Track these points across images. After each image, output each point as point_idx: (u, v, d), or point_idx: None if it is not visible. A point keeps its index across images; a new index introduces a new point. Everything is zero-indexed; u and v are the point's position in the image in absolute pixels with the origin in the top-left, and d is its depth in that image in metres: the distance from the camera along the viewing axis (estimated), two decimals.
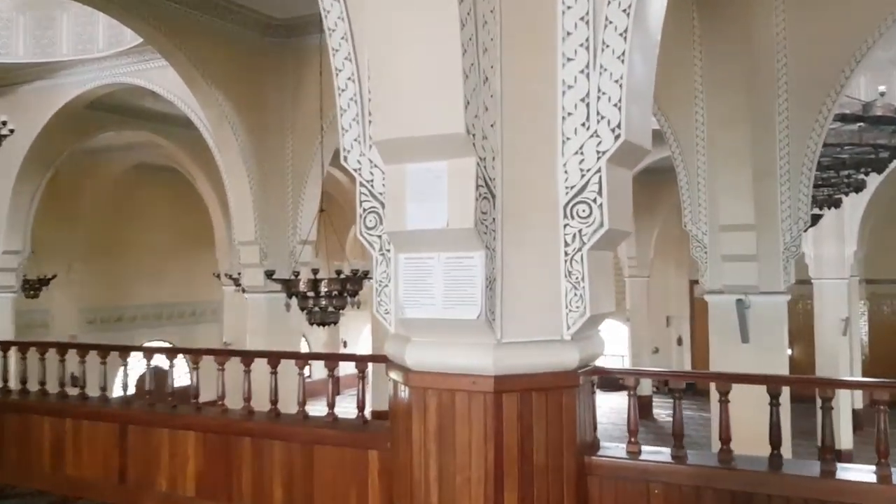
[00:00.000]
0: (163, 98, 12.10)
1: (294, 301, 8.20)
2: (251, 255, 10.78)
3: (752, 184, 8.34)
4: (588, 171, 3.43)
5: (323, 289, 7.79)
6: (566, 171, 3.48)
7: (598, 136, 3.41)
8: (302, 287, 7.90)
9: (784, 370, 8.59)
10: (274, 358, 6.07)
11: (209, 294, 19.08)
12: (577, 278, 3.46)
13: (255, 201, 10.82)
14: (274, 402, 5.98)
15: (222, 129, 10.60)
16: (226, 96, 10.42)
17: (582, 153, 3.45)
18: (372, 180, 3.76)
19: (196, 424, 6.34)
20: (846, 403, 15.68)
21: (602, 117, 3.40)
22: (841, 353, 15.59)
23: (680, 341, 23.38)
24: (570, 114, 3.47)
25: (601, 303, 3.58)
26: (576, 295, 3.46)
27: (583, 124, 3.45)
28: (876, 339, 20.02)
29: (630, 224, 3.74)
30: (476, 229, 3.21)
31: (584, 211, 3.45)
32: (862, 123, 11.40)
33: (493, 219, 3.37)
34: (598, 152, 3.42)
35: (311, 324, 8.09)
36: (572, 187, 3.47)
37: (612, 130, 3.38)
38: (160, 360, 7.13)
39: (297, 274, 8.40)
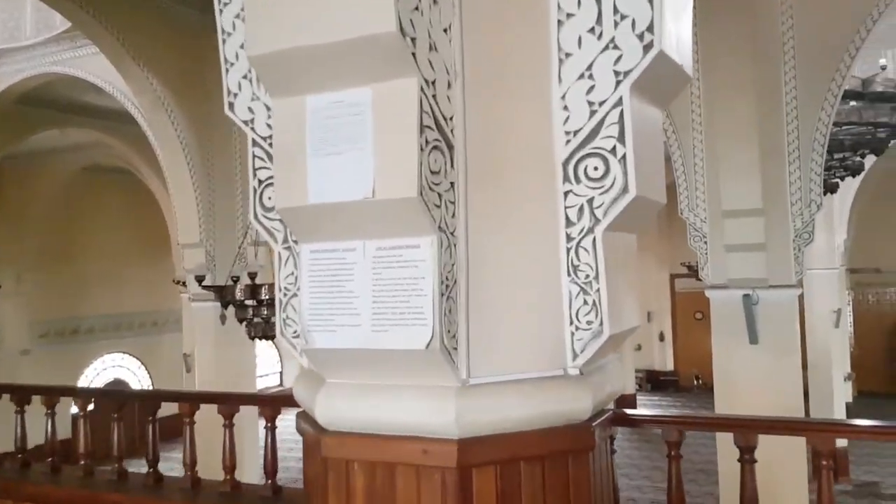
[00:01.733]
0: (108, 94, 10.60)
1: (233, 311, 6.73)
2: (196, 259, 9.32)
3: (758, 162, 7.03)
4: (601, 104, 2.07)
5: (264, 296, 6.34)
6: (566, 107, 2.12)
7: (616, 47, 2.05)
8: (239, 294, 6.47)
9: (798, 376, 7.29)
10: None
11: (171, 302, 17.53)
12: (587, 276, 2.09)
13: (200, 199, 9.36)
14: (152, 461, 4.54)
15: (159, 118, 9.14)
16: (162, 81, 8.96)
17: (591, 76, 2.08)
18: (271, 136, 2.36)
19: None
20: (840, 396, 14.49)
21: (623, 16, 2.04)
22: (833, 346, 14.38)
23: (662, 337, 22.13)
24: (570, 14, 2.11)
25: (625, 314, 2.23)
26: (585, 303, 2.10)
27: (591, 29, 2.08)
28: (861, 330, 18.87)
29: (663, 191, 2.37)
30: (422, 200, 1.86)
31: (595, 169, 2.09)
32: (859, 101, 10.16)
33: (452, 183, 2.01)
34: (616, 74, 2.06)
35: (252, 337, 6.68)
36: (576, 132, 2.11)
37: (640, 37, 2.02)
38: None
39: (236, 279, 6.94)
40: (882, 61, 10.06)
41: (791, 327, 7.26)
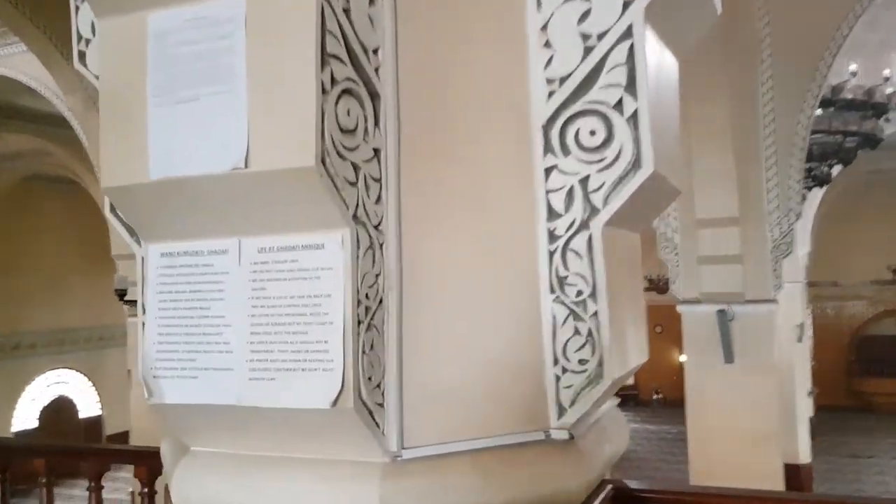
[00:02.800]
0: (43, 96, 9.69)
1: None
2: (129, 271, 8.46)
3: (734, 169, 6.42)
4: (601, 37, 1.36)
5: None
6: (548, 42, 1.41)
7: None
8: None
9: (774, 397, 6.68)
10: None
11: (116, 316, 16.49)
12: (578, 294, 1.38)
13: None
14: None
15: (90, 119, 8.28)
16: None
17: None
18: None
19: None
20: (804, 412, 13.97)
21: None
22: (796, 362, 13.87)
23: None
24: None
25: (631, 346, 1.51)
26: (577, 333, 1.38)
27: None
28: (820, 344, 18.46)
29: (682, 174, 1.66)
30: (324, 173, 1.13)
31: (592, 134, 1.38)
32: (828, 109, 9.67)
33: (376, 151, 1.29)
34: None
35: None
36: (563, 80, 1.40)
37: None
38: None
39: None
40: (852, 67, 9.57)
41: (768, 345, 6.66)
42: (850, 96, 9.94)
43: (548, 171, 1.40)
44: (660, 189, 1.46)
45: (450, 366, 1.33)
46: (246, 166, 1.16)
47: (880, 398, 18.49)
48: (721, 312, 6.49)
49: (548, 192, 1.40)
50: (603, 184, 1.36)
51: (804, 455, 13.87)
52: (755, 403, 6.42)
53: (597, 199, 1.37)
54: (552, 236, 1.39)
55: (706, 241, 6.55)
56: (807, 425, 14.44)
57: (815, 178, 10.99)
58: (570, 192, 1.38)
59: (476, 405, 1.35)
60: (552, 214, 1.39)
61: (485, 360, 1.36)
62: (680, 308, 6.80)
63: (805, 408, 14.49)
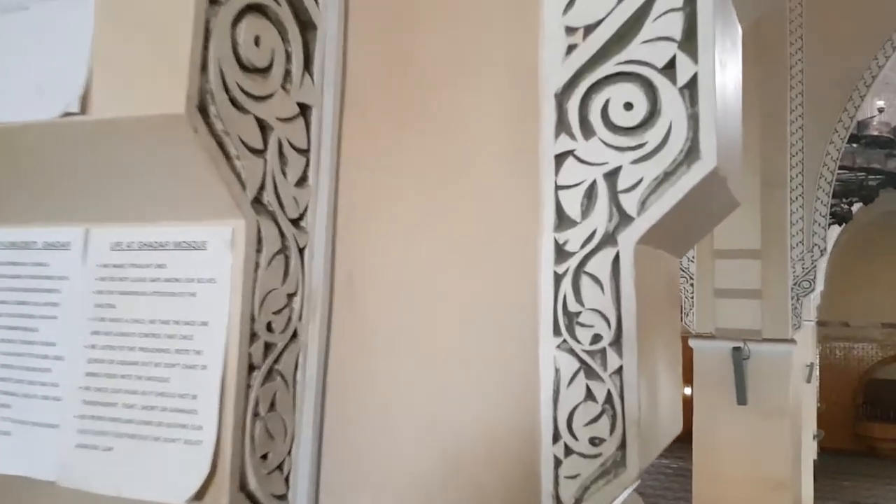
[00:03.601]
0: None
1: None
2: None
3: (758, 198, 5.95)
4: None
5: None
6: None
7: None
8: None
9: (788, 441, 6.18)
10: None
11: None
12: (595, 339, 0.91)
13: None
14: None
15: None
16: None
17: None
18: None
19: None
20: (808, 455, 13.40)
21: None
22: (804, 404, 13.33)
23: None
24: None
25: (664, 419, 1.05)
26: (591, 397, 0.91)
27: None
28: (827, 386, 17.85)
29: (742, 177, 1.21)
30: (198, 127, 0.66)
31: (628, 108, 0.92)
32: (853, 144, 9.24)
33: (300, 108, 0.82)
34: None
35: None
36: (591, 27, 0.94)
37: None
38: None
39: None
40: (879, 103, 9.13)
41: (784, 387, 6.16)
42: (875, 133, 9.50)
43: (560, 158, 0.95)
44: (716, 197, 1.01)
45: (399, 438, 0.87)
46: (82, 111, 0.71)
47: (885, 444, 17.87)
48: (736, 350, 6.00)
49: (558, 188, 0.94)
50: (640, 181, 0.91)
51: (807, 499, 13.32)
52: (769, 449, 5.93)
53: (629, 202, 0.92)
54: (561, 252, 0.94)
55: (724, 272, 6.07)
56: (811, 469, 13.90)
57: (835, 215, 10.50)
58: (592, 191, 0.93)
59: (436, 498, 0.89)
60: (563, 221, 0.94)
61: (453, 430, 0.90)
62: (692, 343, 6.31)
63: (810, 450, 13.95)
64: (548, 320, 0.93)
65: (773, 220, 6.01)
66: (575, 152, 0.94)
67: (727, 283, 6.12)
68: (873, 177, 10.02)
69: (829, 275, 16.05)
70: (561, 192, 0.95)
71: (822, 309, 16.94)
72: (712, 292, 6.18)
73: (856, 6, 6.38)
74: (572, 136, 0.95)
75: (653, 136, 0.91)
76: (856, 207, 10.70)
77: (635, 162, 0.91)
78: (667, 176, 0.91)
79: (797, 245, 6.09)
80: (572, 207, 0.94)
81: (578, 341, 0.92)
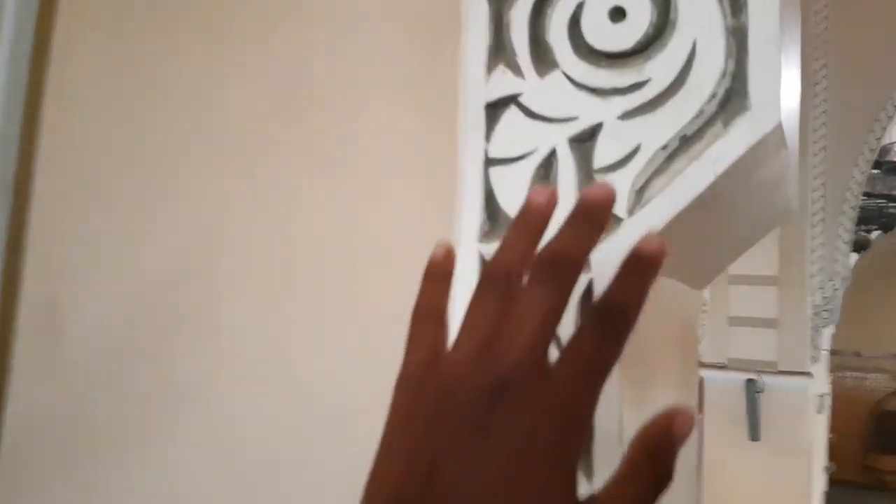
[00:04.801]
0: None
1: None
2: None
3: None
4: None
5: None
6: None
7: None
8: None
9: (806, 481, 5.70)
10: None
11: None
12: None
13: None
14: None
15: None
16: None
17: None
18: None
19: None
20: (818, 487, 12.80)
21: None
22: (815, 435, 12.73)
23: None
24: None
25: None
26: None
27: None
28: (838, 417, 17.22)
29: (796, 166, 0.76)
30: None
31: (616, 15, 0.47)
32: (874, 170, 8.79)
33: None
34: None
35: None
36: None
37: None
38: None
39: None
40: None
41: (801, 424, 5.70)
42: None
43: (494, 109, 0.51)
44: (771, 185, 0.57)
45: None
46: None
47: (894, 477, 17.21)
48: (750, 382, 5.53)
49: (489, 163, 0.51)
50: (635, 150, 0.47)
51: None
52: (783, 490, 5.46)
53: (629, 175, 0.48)
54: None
55: (739, 299, 5.62)
56: (821, 502, 13.30)
57: (853, 243, 10.03)
58: (549, 168, 0.49)
59: None
60: (496, 223, 0.50)
61: None
62: (703, 373, 5.83)
63: (820, 483, 13.35)
64: None
65: (791, 245, 5.56)
66: (521, 99, 0.51)
67: (743, 311, 5.66)
68: (894, 204, 9.56)
69: (844, 303, 15.48)
70: (494, 172, 0.51)
71: (834, 338, 16.36)
72: (726, 320, 5.72)
73: (881, 30, 5.95)
74: (517, 70, 0.51)
75: (660, 69, 0.47)
76: (874, 235, 10.23)
77: (627, 116, 0.48)
78: (685, 143, 0.47)
79: (817, 273, 5.61)
80: (513, 198, 0.51)
81: None
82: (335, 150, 0.60)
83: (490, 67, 0.52)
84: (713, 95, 0.47)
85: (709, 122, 0.47)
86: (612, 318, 0.35)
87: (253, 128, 0.63)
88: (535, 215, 0.37)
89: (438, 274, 0.40)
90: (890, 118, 5.67)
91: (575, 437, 0.34)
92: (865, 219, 9.37)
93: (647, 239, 0.37)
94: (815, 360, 5.70)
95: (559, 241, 0.36)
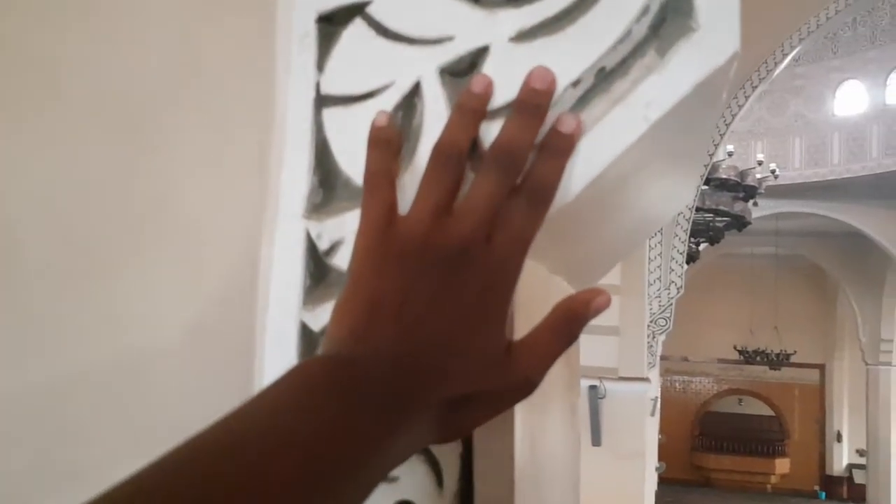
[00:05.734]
0: None
1: None
2: None
3: None
4: None
5: None
6: None
7: None
8: None
9: (643, 483, 5.86)
10: None
11: None
12: None
13: None
14: None
15: None
16: None
17: None
18: None
19: None
20: (650, 486, 13.45)
21: None
22: (648, 437, 13.37)
23: None
24: None
25: None
26: None
27: None
28: (667, 418, 18.20)
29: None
30: None
31: None
32: (704, 186, 9.35)
33: None
34: None
35: None
36: None
37: None
38: None
39: None
40: (729, 147, 9.22)
41: (639, 428, 5.84)
42: (724, 176, 9.64)
43: (329, 25, 0.34)
44: (691, 151, 0.43)
45: None
46: None
47: (718, 474, 18.41)
48: (593, 388, 5.61)
49: (322, 101, 0.33)
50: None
51: None
52: (624, 492, 5.58)
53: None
54: (321, 271, 0.33)
55: None
56: (652, 499, 13.96)
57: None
58: (409, 111, 0.32)
59: None
60: (332, 189, 0.33)
61: None
62: None
63: (652, 482, 14.02)
64: None
65: (633, 255, 5.72)
66: (370, 9, 0.35)
67: None
68: (720, 219, 10.20)
69: (673, 311, 16.40)
70: (330, 115, 0.35)
71: (664, 344, 17.29)
72: None
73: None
74: None
75: None
76: (702, 247, 10.85)
77: (522, 38, 0.33)
78: (604, 79, 0.32)
79: (654, 282, 5.81)
80: (357, 154, 0.34)
81: None
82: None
83: None
84: (644, 11, 0.32)
85: (637, 50, 0.33)
86: (538, 193, 0.40)
87: None
88: (475, 100, 0.39)
89: (382, 140, 0.40)
90: (722, 134, 5.97)
91: (509, 293, 0.41)
92: (695, 232, 9.91)
93: (563, 118, 0.39)
94: (651, 365, 5.88)
95: (507, 134, 0.40)
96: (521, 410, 0.40)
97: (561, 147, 0.40)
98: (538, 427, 0.44)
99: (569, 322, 0.41)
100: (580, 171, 0.34)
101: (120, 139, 0.40)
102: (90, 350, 0.43)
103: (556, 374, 0.50)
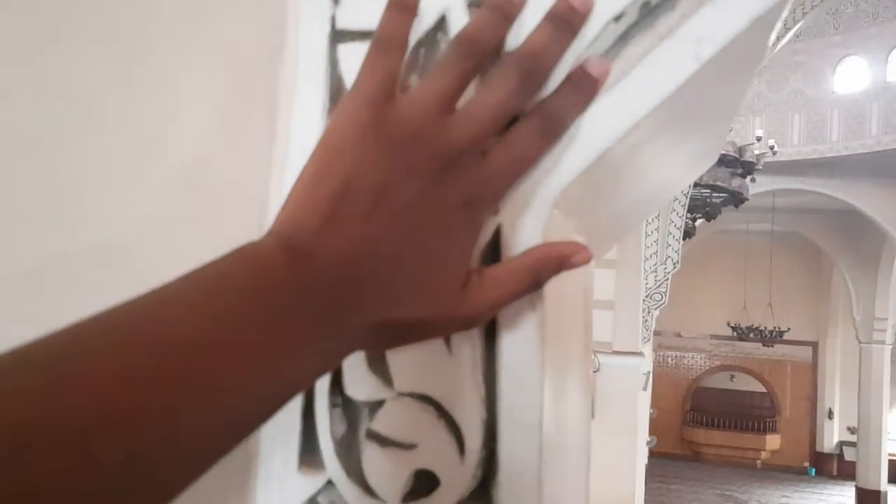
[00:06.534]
0: None
1: None
2: None
3: None
4: None
5: None
6: None
7: None
8: None
9: (635, 457, 5.91)
10: None
11: None
12: None
13: None
14: None
15: None
16: None
17: None
18: None
19: None
20: (641, 460, 13.58)
21: None
22: (640, 410, 13.46)
23: None
24: None
25: None
26: None
27: None
28: (659, 392, 18.33)
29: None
30: None
31: None
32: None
33: None
34: None
35: None
36: None
37: None
38: None
39: None
40: None
41: (633, 402, 5.87)
42: (722, 151, 9.62)
43: None
44: (729, 105, 0.40)
45: None
46: None
47: (708, 449, 18.57)
48: None
49: (339, 37, 0.30)
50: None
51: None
52: (615, 464, 5.63)
53: None
54: None
55: None
56: (643, 475, 14.09)
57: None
58: (432, 40, 0.30)
59: None
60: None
61: None
62: None
63: (643, 456, 14.13)
64: None
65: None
66: None
67: None
68: (717, 194, 10.15)
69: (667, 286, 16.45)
70: (346, 50, 0.32)
71: (658, 319, 17.36)
72: None
73: None
74: None
75: None
76: (698, 223, 10.83)
77: None
78: (648, 13, 0.29)
79: (651, 256, 5.81)
80: None
81: None
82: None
83: None
84: None
85: None
86: (551, 123, 0.38)
87: None
88: (510, 5, 0.37)
89: (404, 3, 0.37)
90: None
91: (486, 216, 0.39)
92: (692, 207, 9.88)
93: (592, 59, 0.37)
94: (646, 340, 5.89)
95: (537, 40, 0.37)
96: (548, 373, 0.37)
97: (584, 86, 0.37)
98: (560, 392, 0.42)
99: (542, 270, 0.39)
100: (620, 114, 0.31)
101: (120, 69, 0.37)
102: (90, 294, 0.40)
103: (576, 339, 0.48)
